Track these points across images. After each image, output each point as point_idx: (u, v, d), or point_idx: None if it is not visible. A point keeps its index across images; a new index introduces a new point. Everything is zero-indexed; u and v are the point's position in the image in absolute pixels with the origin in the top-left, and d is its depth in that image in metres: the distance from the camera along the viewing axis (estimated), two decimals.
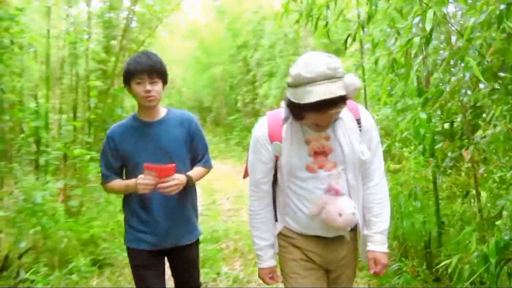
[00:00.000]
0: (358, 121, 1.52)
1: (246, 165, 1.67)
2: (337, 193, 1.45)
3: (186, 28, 12.67)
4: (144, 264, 1.91)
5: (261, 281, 1.78)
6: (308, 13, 2.16)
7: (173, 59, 11.78)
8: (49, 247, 2.83)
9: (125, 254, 3.25)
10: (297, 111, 1.41)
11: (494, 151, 2.06)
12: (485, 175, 2.31)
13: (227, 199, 6.11)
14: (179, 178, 1.77)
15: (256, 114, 12.19)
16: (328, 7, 2.11)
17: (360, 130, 1.51)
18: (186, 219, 1.96)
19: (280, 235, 1.61)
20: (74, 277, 2.76)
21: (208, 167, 2.03)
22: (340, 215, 1.41)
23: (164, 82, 1.87)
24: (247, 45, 12.36)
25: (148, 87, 1.79)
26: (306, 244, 1.55)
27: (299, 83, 1.33)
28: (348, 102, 1.45)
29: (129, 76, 1.82)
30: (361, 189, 1.54)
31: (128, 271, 3.12)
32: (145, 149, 1.87)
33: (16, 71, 4.04)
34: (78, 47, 5.74)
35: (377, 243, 1.52)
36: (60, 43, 5.63)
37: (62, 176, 4.46)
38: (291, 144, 1.49)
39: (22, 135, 4.39)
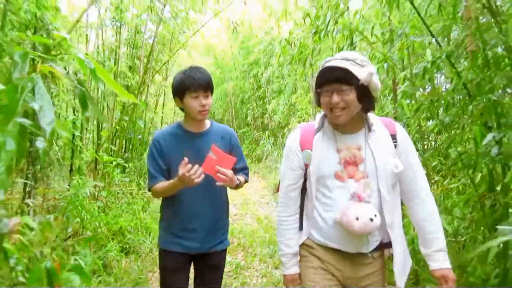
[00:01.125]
0: (393, 137, 1.52)
1: (279, 183, 1.69)
2: (359, 199, 1.44)
3: (202, 46, 13.43)
4: (175, 267, 1.95)
5: (258, 267, 2.12)
6: (298, 55, 2.81)
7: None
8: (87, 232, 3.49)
9: (147, 244, 3.91)
10: (316, 92, 1.50)
11: None
12: None
13: (233, 205, 6.70)
14: (233, 176, 1.82)
15: (264, 128, 12.85)
16: (313, 52, 2.76)
17: (395, 146, 1.50)
18: (220, 227, 2.01)
19: (303, 245, 1.61)
20: (107, 259, 3.40)
21: (247, 179, 2.07)
22: (357, 219, 1.39)
23: (212, 95, 1.94)
24: (258, 62, 13.04)
25: (203, 101, 1.85)
26: (326, 256, 1.54)
27: (320, 65, 1.47)
28: (384, 118, 1.56)
29: (185, 90, 1.85)
30: (397, 205, 1.51)
31: (149, 257, 3.77)
32: (190, 157, 1.86)
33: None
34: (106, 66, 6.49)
35: (441, 261, 1.46)
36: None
37: (92, 179, 5.14)
38: (321, 152, 1.51)
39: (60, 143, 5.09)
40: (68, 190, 3.65)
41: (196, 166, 1.73)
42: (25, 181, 3.23)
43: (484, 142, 1.84)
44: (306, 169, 1.54)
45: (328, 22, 2.40)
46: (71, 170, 5.27)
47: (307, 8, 2.94)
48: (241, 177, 1.99)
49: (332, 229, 1.48)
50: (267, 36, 12.19)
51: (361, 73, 1.40)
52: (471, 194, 2.36)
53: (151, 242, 4.09)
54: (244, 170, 2.06)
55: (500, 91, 2.08)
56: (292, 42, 2.86)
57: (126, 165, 5.58)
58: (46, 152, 0.82)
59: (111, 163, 4.89)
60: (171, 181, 1.85)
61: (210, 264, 1.99)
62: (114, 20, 5.32)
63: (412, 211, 1.52)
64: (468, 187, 2.63)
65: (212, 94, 1.92)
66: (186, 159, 1.73)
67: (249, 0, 7.17)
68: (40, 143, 0.84)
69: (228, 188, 1.98)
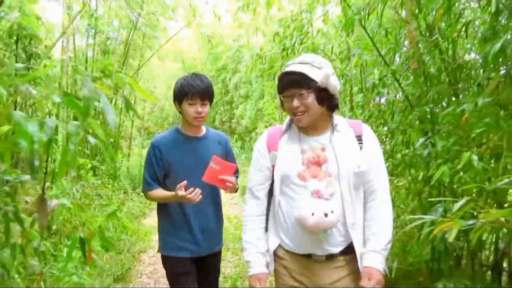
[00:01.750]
0: (359, 138, 1.54)
1: None
2: (318, 195, 1.45)
3: (172, 51, 13.59)
4: (185, 271, 1.96)
5: (232, 259, 2.27)
6: (268, 69, 3.21)
7: (158, 78, 12.62)
8: (68, 231, 3.68)
9: (126, 242, 4.14)
10: (280, 98, 1.55)
11: None
12: None
13: None
14: (235, 184, 1.90)
15: (232, 132, 13.20)
16: (281, 67, 3.16)
17: (360, 147, 1.52)
18: (217, 227, 2.06)
19: (275, 255, 1.59)
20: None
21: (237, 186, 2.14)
22: (312, 214, 1.40)
23: (211, 102, 2.00)
24: (226, 68, 13.40)
25: (199, 109, 1.91)
26: (296, 266, 1.53)
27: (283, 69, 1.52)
28: (352, 120, 1.61)
29: (183, 96, 1.91)
30: (358, 205, 1.51)
31: (129, 253, 4.02)
32: (187, 161, 1.96)
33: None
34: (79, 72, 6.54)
35: (373, 260, 1.44)
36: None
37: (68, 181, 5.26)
38: (286, 153, 1.54)
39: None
40: (44, 193, 3.82)
41: (193, 189, 1.80)
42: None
43: (417, 145, 2.28)
44: (273, 171, 1.57)
45: (294, 42, 2.79)
46: (45, 173, 5.37)
47: (275, 27, 3.33)
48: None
49: (295, 229, 1.49)
50: (235, 43, 12.57)
51: (318, 76, 1.44)
52: (412, 189, 2.83)
53: (128, 240, 4.33)
54: (236, 172, 2.08)
55: (432, 104, 2.56)
56: (263, 57, 3.23)
57: (101, 167, 5.73)
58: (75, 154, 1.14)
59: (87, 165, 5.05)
60: (168, 193, 1.91)
61: (211, 265, 2.06)
62: (89, 27, 5.48)
63: (368, 212, 1.52)
64: (411, 183, 3.12)
65: (211, 102, 1.98)
66: (185, 181, 1.80)
67: (218, 9, 7.50)
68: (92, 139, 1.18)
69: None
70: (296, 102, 1.46)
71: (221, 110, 14.30)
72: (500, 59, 1.95)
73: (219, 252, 2.11)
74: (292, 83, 1.46)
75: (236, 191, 1.98)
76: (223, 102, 14.15)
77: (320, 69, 1.45)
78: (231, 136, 12.90)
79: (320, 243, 1.46)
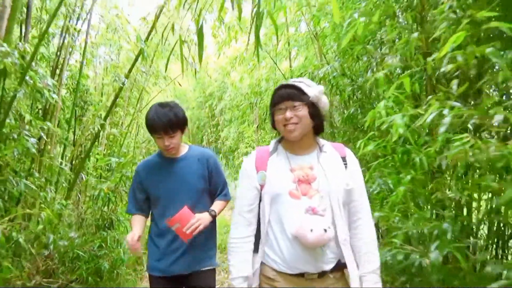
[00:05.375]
0: (344, 159, 1.61)
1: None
2: (314, 211, 1.47)
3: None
4: None
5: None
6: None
7: (151, 103, 14.10)
8: None
9: None
10: (271, 114, 1.62)
11: None
12: None
13: None
14: (201, 218, 1.91)
15: (218, 152, 14.86)
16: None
17: (345, 167, 1.59)
18: (205, 246, 2.05)
19: (262, 276, 1.58)
20: None
21: (227, 199, 2.14)
22: (311, 230, 1.41)
23: (182, 130, 2.01)
24: (213, 95, 15.13)
25: (167, 142, 1.95)
26: (287, 285, 1.52)
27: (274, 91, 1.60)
28: (334, 143, 1.66)
29: (150, 131, 1.99)
30: (345, 222, 1.55)
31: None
32: (168, 182, 2.01)
33: None
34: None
35: (372, 281, 1.50)
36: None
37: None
38: (276, 172, 1.57)
39: None
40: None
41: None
42: None
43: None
44: (261, 190, 1.58)
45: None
46: None
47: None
48: (217, 206, 2.09)
49: (288, 247, 1.49)
50: (220, 74, 14.22)
51: (311, 91, 1.54)
52: None
53: None
54: (222, 192, 2.14)
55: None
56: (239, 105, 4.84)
57: None
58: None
59: None
60: (132, 227, 2.04)
61: (196, 285, 2.04)
62: None
63: (355, 232, 1.56)
64: None
65: (182, 130, 2.01)
66: (138, 236, 1.91)
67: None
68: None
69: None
70: (289, 113, 1.53)
71: (208, 132, 15.99)
72: None
73: (207, 271, 2.08)
74: (287, 96, 1.55)
75: (214, 216, 2.04)
76: (210, 125, 15.84)
77: (312, 87, 1.58)
78: (217, 155, 14.52)
79: (314, 260, 1.48)
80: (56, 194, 3.51)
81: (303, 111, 1.54)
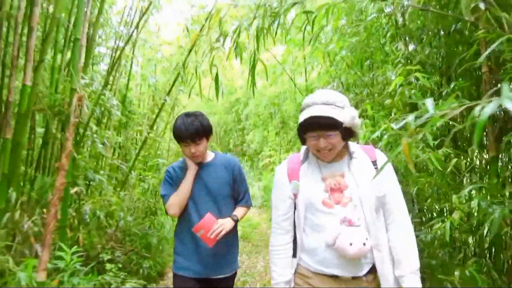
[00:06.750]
0: (374, 163, 1.60)
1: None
2: (350, 223, 1.47)
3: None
4: None
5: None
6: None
7: (183, 110, 15.26)
8: None
9: None
10: (300, 134, 1.59)
11: None
12: None
13: None
14: (224, 223, 2.00)
15: (244, 154, 15.85)
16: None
17: (376, 171, 1.57)
18: (228, 251, 2.12)
19: (297, 273, 1.63)
20: None
21: (249, 205, 2.22)
22: (351, 244, 1.43)
23: (208, 138, 2.09)
24: (239, 101, 16.10)
25: (193, 150, 2.04)
26: (322, 284, 1.55)
27: (303, 107, 1.56)
28: (365, 146, 1.68)
29: (177, 139, 2.07)
30: (380, 227, 1.55)
31: None
32: (194, 187, 2.08)
33: None
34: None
35: (412, 282, 1.49)
36: None
37: None
38: (308, 181, 1.59)
39: None
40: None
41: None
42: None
43: None
44: (295, 199, 1.61)
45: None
46: None
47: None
48: (239, 211, 2.15)
49: (324, 254, 1.52)
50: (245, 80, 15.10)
51: (344, 117, 1.48)
52: None
53: None
54: (243, 199, 2.21)
55: None
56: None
57: None
58: None
59: None
60: (182, 183, 2.09)
61: None
62: None
63: (390, 234, 1.56)
64: None
65: (208, 137, 2.08)
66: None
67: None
68: None
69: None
70: (323, 143, 1.51)
71: (235, 136, 17.02)
72: None
73: (230, 277, 2.16)
74: (320, 126, 1.50)
75: (237, 221, 2.12)
76: (236, 129, 16.85)
77: (343, 108, 1.51)
78: (242, 157, 15.50)
79: (350, 267, 1.51)
80: (117, 186, 4.58)
81: (337, 137, 1.52)
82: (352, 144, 1.67)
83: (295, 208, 1.63)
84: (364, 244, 1.45)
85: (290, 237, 1.65)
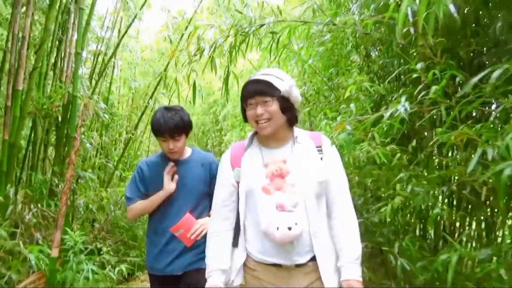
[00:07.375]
0: (319, 148, 1.59)
1: None
2: (282, 209, 1.47)
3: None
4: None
5: None
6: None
7: None
8: None
9: None
10: (242, 107, 1.59)
11: None
12: None
13: None
14: (204, 223, 1.99)
15: (221, 154, 16.11)
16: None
17: (321, 157, 1.57)
18: (197, 247, 2.04)
19: (245, 266, 1.61)
20: None
21: None
22: (277, 228, 1.43)
23: (187, 134, 2.05)
24: (217, 103, 16.41)
25: (171, 146, 2.00)
26: (266, 276, 1.55)
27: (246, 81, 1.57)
28: (312, 132, 1.67)
29: (155, 133, 2.03)
30: (322, 215, 1.55)
31: None
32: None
33: None
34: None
35: (351, 272, 1.48)
36: None
37: None
38: (249, 168, 1.58)
39: None
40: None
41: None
42: None
43: None
44: (238, 187, 1.60)
45: None
46: None
47: None
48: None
49: (264, 242, 1.52)
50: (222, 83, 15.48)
51: (282, 85, 1.50)
52: None
53: None
54: None
55: None
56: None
57: None
58: None
59: None
60: (150, 197, 2.05)
61: (191, 284, 2.03)
62: None
63: (332, 222, 1.56)
64: None
65: (187, 134, 2.03)
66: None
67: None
68: None
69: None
70: (260, 110, 1.51)
71: (212, 136, 17.33)
72: None
73: (202, 271, 1.93)
74: (257, 91, 1.52)
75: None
76: (214, 130, 17.17)
77: (283, 80, 1.53)
78: (219, 157, 15.73)
79: (287, 254, 1.50)
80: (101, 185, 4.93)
81: (274, 106, 1.53)
82: (297, 130, 1.68)
83: (239, 196, 1.62)
84: (290, 228, 1.43)
85: (229, 224, 1.64)
